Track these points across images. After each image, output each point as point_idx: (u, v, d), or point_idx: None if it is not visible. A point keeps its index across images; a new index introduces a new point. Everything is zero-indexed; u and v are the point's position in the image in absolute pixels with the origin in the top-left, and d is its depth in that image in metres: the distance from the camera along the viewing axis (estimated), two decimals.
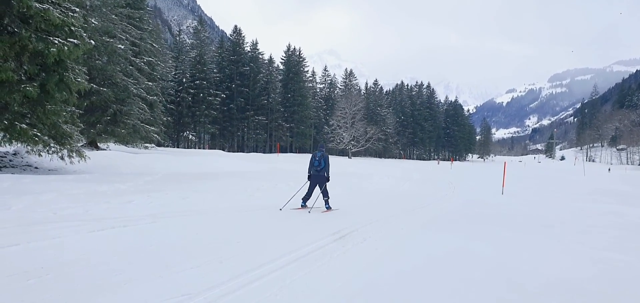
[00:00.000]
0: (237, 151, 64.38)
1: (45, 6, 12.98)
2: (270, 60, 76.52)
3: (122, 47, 27.67)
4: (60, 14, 13.46)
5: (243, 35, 71.94)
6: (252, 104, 69.87)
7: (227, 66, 69.14)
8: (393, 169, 39.10)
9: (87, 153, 17.66)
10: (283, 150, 71.19)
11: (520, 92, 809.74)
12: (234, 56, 69.56)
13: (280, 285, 4.81)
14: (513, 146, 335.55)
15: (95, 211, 8.43)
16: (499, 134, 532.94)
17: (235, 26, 72.14)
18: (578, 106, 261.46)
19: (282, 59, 78.98)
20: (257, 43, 73.36)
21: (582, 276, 6.04)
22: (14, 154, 17.43)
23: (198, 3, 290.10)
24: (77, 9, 15.21)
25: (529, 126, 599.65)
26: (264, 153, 65.23)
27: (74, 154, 15.93)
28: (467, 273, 5.83)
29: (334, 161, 43.66)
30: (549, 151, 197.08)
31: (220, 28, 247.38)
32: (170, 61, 60.28)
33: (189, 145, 70.56)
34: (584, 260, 7.03)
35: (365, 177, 25.00)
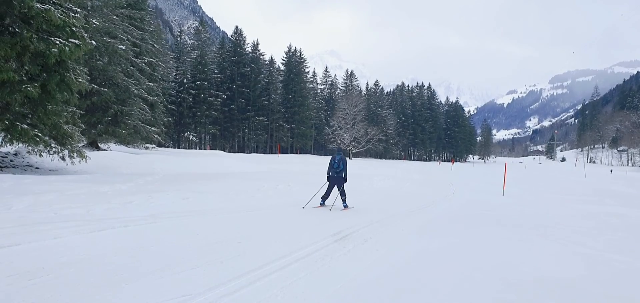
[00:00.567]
0: (238, 152, 64.36)
1: (47, 7, 13.00)
2: (271, 61, 76.51)
3: (123, 47, 27.68)
4: (61, 15, 13.48)
5: (244, 36, 71.92)
6: (253, 105, 69.85)
7: (228, 66, 69.11)
8: (394, 170, 39.10)
9: (88, 153, 17.67)
10: (284, 151, 71.14)
11: (521, 93, 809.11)
12: (235, 56, 69.52)
13: (282, 286, 4.81)
14: (514, 147, 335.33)
15: (96, 212, 8.42)
16: (500, 135, 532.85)
17: (236, 27, 72.15)
18: (579, 107, 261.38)
19: (283, 59, 78.97)
20: (258, 44, 73.37)
21: (582, 277, 6.05)
22: (15, 154, 17.45)
23: (199, 4, 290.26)
24: (78, 10, 15.24)
25: (529, 127, 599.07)
26: (264, 153, 65.22)
27: (75, 154, 15.95)
28: (467, 273, 5.84)
29: None
30: (549, 153, 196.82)
31: (222, 29, 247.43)
32: (171, 62, 60.32)
33: (189, 146, 70.59)
34: (583, 261, 7.03)
35: (366, 178, 25.00)
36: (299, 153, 70.42)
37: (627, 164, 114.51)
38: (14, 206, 8.07)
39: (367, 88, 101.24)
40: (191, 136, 70.50)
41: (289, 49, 78.24)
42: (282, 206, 11.91)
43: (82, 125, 19.03)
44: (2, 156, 16.74)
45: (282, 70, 78.74)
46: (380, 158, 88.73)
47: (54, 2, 13.83)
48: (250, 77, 69.79)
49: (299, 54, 78.14)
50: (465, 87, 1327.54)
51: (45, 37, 13.35)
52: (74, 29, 14.17)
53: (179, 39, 74.28)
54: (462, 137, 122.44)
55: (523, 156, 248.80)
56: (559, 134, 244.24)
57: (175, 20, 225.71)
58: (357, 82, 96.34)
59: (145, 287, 4.53)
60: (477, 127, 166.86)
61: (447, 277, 5.67)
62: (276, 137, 74.18)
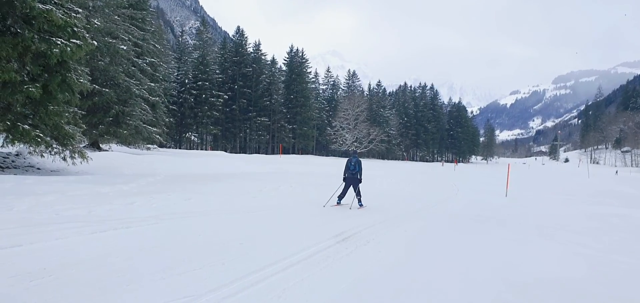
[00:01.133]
0: (240, 153, 64.43)
1: (48, 7, 12.99)
2: (273, 61, 76.57)
3: (125, 48, 27.69)
4: (63, 15, 13.47)
5: (246, 36, 72.05)
6: (255, 105, 69.91)
7: (229, 67, 69.22)
8: (396, 171, 39.09)
9: (90, 154, 17.66)
10: (285, 151, 71.19)
11: (524, 93, 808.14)
12: (237, 57, 69.62)
13: (284, 287, 4.78)
14: (517, 148, 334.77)
15: (97, 213, 8.40)
16: (503, 136, 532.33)
17: (238, 27, 72.25)
18: (582, 107, 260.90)
19: (284, 60, 79.06)
20: (259, 44, 73.45)
21: (584, 278, 6.03)
22: (17, 155, 17.45)
23: (201, 4, 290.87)
24: (80, 10, 15.22)
25: (532, 127, 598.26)
26: (266, 154, 65.24)
27: (76, 155, 15.94)
28: (469, 274, 5.82)
29: (337, 163, 43.57)
30: (553, 153, 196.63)
31: (223, 29, 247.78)
32: (172, 62, 60.45)
33: (191, 146, 70.69)
34: (586, 261, 7.01)
35: (368, 179, 24.93)
36: (301, 154, 70.43)
37: (631, 165, 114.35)
38: (16, 207, 8.06)
39: (369, 88, 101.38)
40: (193, 137, 70.60)
41: (291, 49, 78.33)
42: (284, 207, 11.89)
43: (84, 125, 19.00)
44: (3, 157, 16.75)
45: (284, 70, 78.82)
46: (383, 158, 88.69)
47: (55, 3, 13.82)
48: (252, 78, 69.88)
49: (301, 54, 78.22)
50: (468, 88, 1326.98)
51: (47, 37, 13.34)
52: (75, 29, 14.15)
53: (180, 39, 74.48)
54: (464, 138, 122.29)
55: (526, 156, 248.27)
56: (562, 135, 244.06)
57: (176, 21, 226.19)
58: (359, 82, 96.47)
59: (147, 288, 4.50)
60: (480, 127, 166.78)
61: (449, 277, 5.65)
62: (278, 137, 74.23)
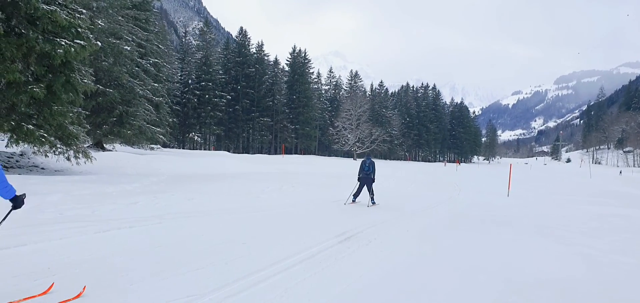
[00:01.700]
0: (242, 153, 64.43)
1: (53, 8, 13.05)
2: (276, 61, 76.52)
3: (128, 48, 27.74)
4: (67, 16, 13.53)
5: (249, 36, 72.03)
6: (258, 106, 69.91)
7: (232, 67, 69.23)
8: (398, 171, 39.02)
9: (93, 154, 17.72)
10: (288, 151, 71.13)
11: (526, 94, 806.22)
12: (240, 57, 69.63)
13: (286, 287, 4.82)
14: (519, 148, 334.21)
15: (101, 212, 8.46)
16: (505, 136, 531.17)
17: (241, 28, 72.24)
18: (584, 108, 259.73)
19: (287, 60, 78.95)
20: (262, 45, 73.44)
21: (585, 278, 6.05)
22: (21, 155, 17.54)
23: (204, 5, 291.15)
24: (84, 11, 15.29)
25: (534, 128, 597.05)
26: (269, 154, 65.25)
27: (80, 155, 16.00)
28: (471, 275, 5.84)
29: (339, 163, 43.55)
30: (554, 153, 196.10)
31: (226, 30, 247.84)
32: (176, 63, 60.52)
33: (194, 146, 70.72)
34: (587, 262, 7.02)
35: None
36: (303, 154, 70.38)
37: (634, 165, 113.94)
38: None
39: (371, 89, 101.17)
40: (196, 137, 70.61)
41: (294, 50, 78.25)
42: (287, 206, 11.94)
43: (88, 126, 19.09)
44: (8, 157, 16.83)
45: (286, 71, 78.71)
46: (385, 158, 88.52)
47: (59, 3, 13.88)
48: (254, 78, 69.86)
49: (303, 54, 78.14)
50: (470, 88, 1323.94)
51: (51, 38, 13.40)
52: (79, 30, 14.21)
53: (183, 40, 74.44)
54: (467, 138, 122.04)
55: (528, 157, 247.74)
56: (564, 135, 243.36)
57: (180, 21, 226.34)
58: (362, 82, 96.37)
59: (150, 287, 4.55)
60: (482, 128, 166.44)
61: (450, 278, 5.68)
62: (280, 138, 74.21)
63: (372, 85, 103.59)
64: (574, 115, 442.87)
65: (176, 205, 10.33)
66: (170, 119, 44.49)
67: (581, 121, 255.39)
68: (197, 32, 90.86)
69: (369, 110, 78.52)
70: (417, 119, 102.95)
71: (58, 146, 15.19)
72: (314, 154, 74.22)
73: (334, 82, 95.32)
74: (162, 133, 34.46)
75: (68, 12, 13.92)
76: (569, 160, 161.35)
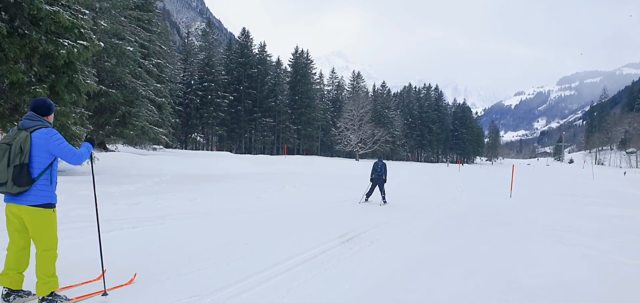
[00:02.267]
0: (245, 153, 64.42)
1: (56, 8, 13.09)
2: (278, 62, 76.54)
3: (131, 49, 27.80)
4: (70, 16, 13.57)
5: (251, 37, 72.00)
6: (260, 106, 69.93)
7: (235, 68, 69.26)
8: (401, 171, 39.00)
9: (96, 154, 17.75)
10: (290, 152, 71.11)
11: (529, 94, 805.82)
12: (242, 58, 69.63)
13: (288, 288, 4.83)
14: (521, 149, 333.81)
15: (104, 213, 8.47)
16: (507, 136, 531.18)
17: (244, 28, 72.24)
18: (587, 109, 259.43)
19: (289, 61, 78.90)
20: (265, 45, 73.41)
21: (588, 279, 6.02)
22: None
23: (206, 5, 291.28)
24: (87, 11, 15.35)
25: (537, 128, 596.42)
26: (271, 154, 65.26)
27: None
28: (473, 276, 5.83)
29: (341, 164, 43.55)
30: (557, 154, 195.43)
31: (229, 30, 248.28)
32: (178, 63, 60.54)
33: (196, 147, 70.78)
34: (590, 263, 7.00)
35: None
36: (306, 154, 70.38)
37: (636, 167, 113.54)
38: None
39: (374, 89, 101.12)
40: (198, 138, 70.68)
41: (296, 51, 78.21)
42: (289, 207, 11.94)
43: (90, 126, 19.14)
44: None
45: (289, 71, 78.68)
46: (387, 159, 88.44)
47: (62, 4, 13.93)
48: (257, 79, 69.86)
49: (305, 55, 78.11)
50: (472, 89, 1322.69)
51: (54, 38, 13.44)
52: (82, 30, 14.26)
53: (186, 41, 74.53)
54: (469, 138, 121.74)
55: (530, 157, 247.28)
56: (566, 136, 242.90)
57: (182, 22, 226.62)
58: (364, 83, 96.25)
59: (153, 287, 4.56)
60: (484, 128, 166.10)
61: (452, 279, 5.67)
62: (283, 138, 74.23)
63: (374, 86, 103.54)
64: (576, 116, 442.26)
65: (178, 205, 10.34)
66: (173, 120, 44.54)
67: (584, 122, 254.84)
68: (199, 32, 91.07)
69: (372, 111, 78.46)
70: (419, 119, 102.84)
71: None
72: (316, 154, 74.16)
73: (337, 83, 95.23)
74: (164, 134, 34.53)
75: (71, 12, 13.96)
76: (571, 161, 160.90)
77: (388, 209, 13.02)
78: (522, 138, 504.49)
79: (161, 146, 37.35)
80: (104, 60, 26.49)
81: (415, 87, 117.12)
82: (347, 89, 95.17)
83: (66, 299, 4.02)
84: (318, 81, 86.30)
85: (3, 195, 3.85)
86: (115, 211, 8.77)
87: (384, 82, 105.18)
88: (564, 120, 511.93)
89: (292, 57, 78.25)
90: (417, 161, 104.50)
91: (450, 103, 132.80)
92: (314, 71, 79.65)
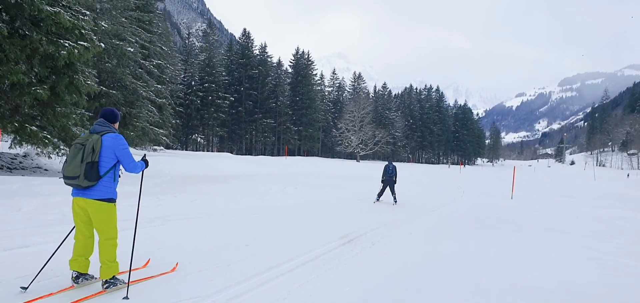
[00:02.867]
0: (245, 154, 64.46)
1: (56, 9, 13.08)
2: (279, 63, 76.65)
3: (132, 50, 27.81)
4: (70, 17, 13.55)
5: (252, 38, 72.13)
6: (261, 107, 70.00)
7: (235, 69, 69.36)
8: (402, 173, 39.03)
9: None
10: (291, 153, 71.15)
11: (530, 96, 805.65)
12: (243, 59, 69.73)
13: (289, 289, 4.81)
14: (522, 151, 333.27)
15: None
16: (509, 138, 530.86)
17: (244, 29, 72.38)
18: (588, 110, 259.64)
19: (290, 62, 78.99)
20: (265, 46, 73.51)
21: (591, 281, 5.99)
22: (24, 156, 17.56)
23: (207, 6, 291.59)
24: (88, 12, 15.33)
25: (538, 130, 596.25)
26: (272, 155, 65.27)
27: None
28: (475, 277, 5.80)
29: (342, 165, 43.51)
30: (558, 156, 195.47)
31: (230, 31, 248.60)
32: (179, 64, 60.59)
33: (197, 148, 70.86)
34: (592, 265, 6.97)
35: (374, 181, 24.94)
36: (306, 156, 70.40)
37: (638, 168, 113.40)
38: (24, 208, 8.12)
39: (375, 91, 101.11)
40: (199, 138, 70.77)
41: (297, 52, 78.28)
42: (290, 208, 11.92)
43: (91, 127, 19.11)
44: (11, 158, 16.86)
45: (289, 72, 78.81)
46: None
47: (63, 5, 13.92)
48: (258, 80, 69.96)
49: (306, 56, 78.17)
50: (473, 90, 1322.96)
51: (55, 39, 13.42)
52: (83, 31, 14.23)
53: (187, 42, 74.67)
54: (470, 140, 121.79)
55: (532, 159, 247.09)
56: (568, 138, 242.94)
57: (183, 23, 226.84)
58: (365, 84, 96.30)
59: (154, 288, 4.54)
60: (485, 130, 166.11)
61: (454, 280, 5.64)
62: (283, 139, 74.28)
63: (375, 87, 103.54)
64: (578, 117, 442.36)
65: (179, 206, 10.32)
66: (173, 121, 44.61)
67: (585, 123, 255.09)
68: (200, 33, 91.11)
69: (372, 112, 78.45)
70: (420, 121, 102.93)
71: (61, 147, 15.19)
72: (317, 156, 74.21)
73: (337, 84, 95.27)
74: (165, 135, 34.57)
75: (72, 13, 13.94)
76: (572, 163, 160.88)
77: (389, 210, 13.02)
78: (523, 139, 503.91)
79: (162, 147, 37.38)
80: (105, 61, 26.50)
81: (416, 89, 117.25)
82: (348, 90, 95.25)
83: (123, 282, 4.57)
84: (319, 82, 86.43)
85: (71, 189, 4.46)
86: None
87: (384, 84, 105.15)
88: (565, 121, 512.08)
89: (293, 58, 78.38)
90: (418, 162, 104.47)
91: (451, 104, 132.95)
92: (314, 72, 79.76)
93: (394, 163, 16.12)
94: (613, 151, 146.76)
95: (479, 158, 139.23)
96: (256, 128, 71.28)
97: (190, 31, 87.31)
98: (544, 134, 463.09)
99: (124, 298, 4.22)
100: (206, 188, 14.79)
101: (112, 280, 4.48)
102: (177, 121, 52.28)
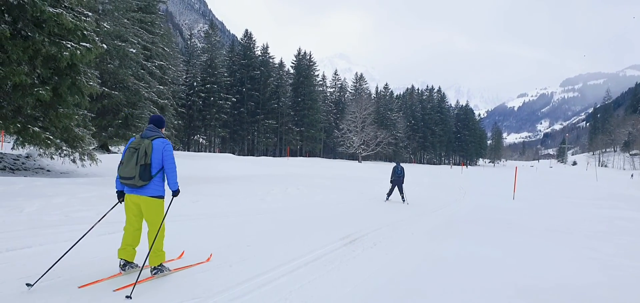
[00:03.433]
0: (247, 155, 64.47)
1: (59, 10, 13.11)
2: (281, 64, 76.58)
3: (134, 51, 27.85)
4: (73, 18, 13.58)
5: (254, 39, 72.13)
6: (263, 108, 70.00)
7: (237, 69, 69.36)
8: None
9: (99, 156, 17.78)
10: (293, 154, 71.19)
11: (532, 96, 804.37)
12: (245, 59, 69.73)
13: (290, 290, 4.81)
14: (524, 151, 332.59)
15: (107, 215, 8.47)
16: (510, 138, 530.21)
17: (246, 30, 72.39)
18: (590, 110, 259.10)
19: (292, 63, 78.94)
20: (267, 47, 73.50)
21: (592, 282, 5.98)
22: (27, 157, 17.60)
23: (209, 7, 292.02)
24: (90, 13, 15.35)
25: (540, 130, 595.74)
26: (274, 156, 65.28)
27: (86, 157, 16.06)
28: (477, 278, 5.80)
29: (344, 166, 43.50)
30: (560, 156, 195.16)
31: (231, 32, 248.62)
32: (181, 65, 60.60)
33: (199, 149, 70.88)
34: (594, 266, 6.96)
35: (376, 181, 24.95)
36: (308, 156, 70.36)
37: None
38: (26, 209, 8.13)
39: (376, 91, 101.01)
40: (201, 139, 70.78)
41: (299, 52, 78.25)
42: (292, 209, 11.93)
43: (93, 128, 19.15)
44: (14, 159, 16.90)
45: (291, 73, 78.73)
46: (390, 161, 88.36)
47: (65, 6, 13.95)
48: (259, 81, 69.97)
49: (308, 57, 78.09)
50: (475, 91, 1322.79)
51: (57, 40, 13.45)
52: (85, 32, 14.27)
53: (189, 43, 74.72)
54: (472, 140, 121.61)
55: (534, 159, 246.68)
56: (570, 138, 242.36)
57: (185, 24, 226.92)
58: (367, 85, 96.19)
59: (155, 289, 4.55)
60: (487, 130, 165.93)
61: (456, 281, 5.64)
62: (285, 140, 74.24)
63: (377, 87, 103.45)
64: (580, 118, 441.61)
65: (181, 207, 10.31)
66: (176, 122, 44.62)
67: (587, 124, 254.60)
68: (202, 34, 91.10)
69: (374, 113, 78.29)
70: (422, 121, 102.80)
71: (64, 148, 15.25)
72: (319, 156, 74.19)
73: (339, 85, 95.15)
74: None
75: (74, 14, 13.98)
76: (575, 163, 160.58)
77: (391, 211, 13.03)
78: (525, 139, 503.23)
79: None
80: (107, 62, 26.54)
81: (418, 89, 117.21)
82: (350, 91, 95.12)
83: (169, 270, 5.19)
84: (321, 82, 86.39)
85: (125, 187, 5.01)
86: (118, 213, 8.75)
87: (386, 84, 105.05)
88: (567, 122, 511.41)
89: (294, 59, 78.31)
90: (420, 163, 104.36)
91: (453, 105, 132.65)
92: (316, 73, 79.70)
93: (402, 165, 16.76)
94: (615, 151, 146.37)
95: (480, 159, 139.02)
96: (258, 129, 71.28)
97: (192, 32, 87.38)
98: (546, 135, 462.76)
99: (127, 297, 4.22)
100: (208, 188, 14.78)
101: (159, 267, 5.06)
102: (179, 121, 52.28)
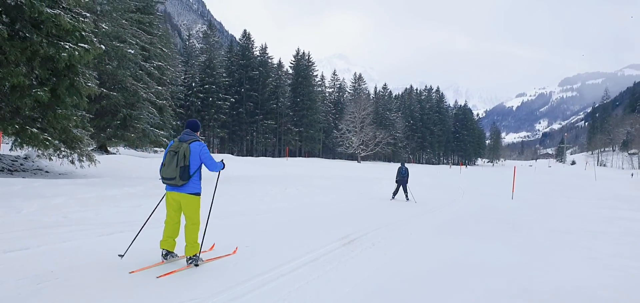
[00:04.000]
0: (246, 155, 64.48)
1: (57, 11, 13.08)
2: (280, 64, 76.54)
3: (132, 51, 27.80)
4: (71, 19, 13.56)
5: (252, 39, 72.10)
6: (261, 109, 69.98)
7: (236, 70, 69.31)
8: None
9: (97, 157, 17.75)
10: (292, 154, 71.12)
11: (531, 96, 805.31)
12: (243, 60, 69.72)
13: (289, 290, 4.81)
14: (523, 151, 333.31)
15: (105, 215, 8.46)
16: (509, 138, 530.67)
17: (245, 31, 72.39)
18: (589, 110, 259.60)
19: (291, 63, 78.91)
20: (266, 47, 73.47)
21: (594, 283, 5.97)
22: (25, 158, 17.57)
23: (208, 8, 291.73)
24: (88, 14, 15.34)
25: (539, 130, 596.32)
26: (273, 157, 65.26)
27: (84, 158, 16.04)
28: (477, 279, 5.79)
29: (343, 166, 43.51)
30: (559, 156, 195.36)
31: (230, 32, 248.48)
32: (179, 66, 60.55)
33: None
34: (595, 266, 6.96)
35: (375, 181, 24.97)
36: (307, 157, 70.37)
37: (638, 168, 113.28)
38: (24, 210, 8.11)
39: (375, 91, 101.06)
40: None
41: (298, 53, 78.24)
42: (291, 209, 11.92)
43: (92, 129, 19.11)
44: (12, 160, 16.86)
45: (290, 73, 78.68)
46: (389, 161, 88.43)
47: (63, 7, 13.93)
48: (258, 81, 69.95)
49: (307, 57, 78.06)
50: (474, 91, 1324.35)
51: (55, 41, 13.42)
52: (83, 33, 14.25)
53: (187, 43, 74.77)
54: (470, 140, 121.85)
55: (532, 159, 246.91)
56: (568, 138, 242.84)
57: (183, 25, 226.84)
58: (366, 85, 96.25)
59: (156, 289, 4.54)
60: (486, 130, 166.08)
61: (456, 281, 5.64)
62: (284, 140, 74.22)
63: (376, 88, 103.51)
64: (578, 117, 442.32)
65: None
66: (174, 122, 44.51)
67: (586, 123, 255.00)
68: (200, 35, 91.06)
69: (373, 113, 78.37)
70: (420, 121, 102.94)
71: (62, 149, 15.22)
72: (318, 157, 74.19)
73: (338, 85, 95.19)
74: (165, 136, 34.44)
75: (72, 15, 13.96)
76: (573, 163, 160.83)
77: (391, 211, 13.04)
78: (524, 139, 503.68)
79: (162, 149, 37.30)
80: (105, 63, 26.48)
81: (417, 89, 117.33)
82: (349, 91, 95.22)
83: (203, 260, 5.76)
84: (319, 83, 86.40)
85: (166, 185, 5.63)
86: (116, 214, 8.75)
87: (385, 84, 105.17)
88: (565, 121, 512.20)
89: (293, 60, 78.31)
90: (419, 163, 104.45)
91: (451, 105, 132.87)
92: (315, 73, 79.69)
93: (406, 166, 17.76)
94: (614, 151, 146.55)
95: (479, 159, 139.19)
96: (257, 129, 71.25)
97: (191, 33, 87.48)
98: (545, 135, 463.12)
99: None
100: (207, 189, 14.77)
101: (194, 257, 5.59)
102: (178, 122, 52.18)
